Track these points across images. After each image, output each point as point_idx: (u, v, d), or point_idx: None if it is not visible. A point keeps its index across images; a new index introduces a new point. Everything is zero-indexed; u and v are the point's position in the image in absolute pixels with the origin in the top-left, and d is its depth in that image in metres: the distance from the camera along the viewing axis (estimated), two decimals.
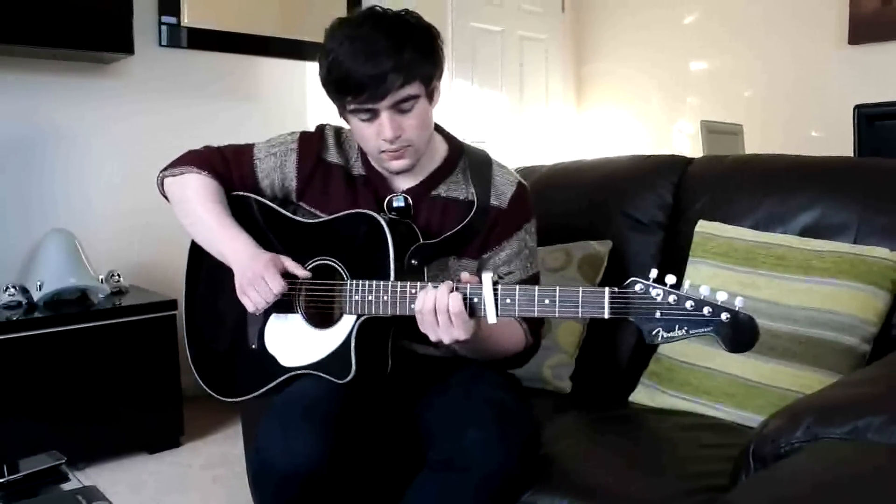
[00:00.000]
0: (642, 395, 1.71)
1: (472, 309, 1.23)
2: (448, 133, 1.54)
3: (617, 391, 1.76)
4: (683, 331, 1.10)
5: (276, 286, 1.35)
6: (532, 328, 1.46)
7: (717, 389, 1.59)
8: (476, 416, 1.29)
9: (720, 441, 1.43)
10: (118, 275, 2.73)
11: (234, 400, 1.52)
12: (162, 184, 1.56)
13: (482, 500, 1.23)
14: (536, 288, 1.19)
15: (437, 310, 1.22)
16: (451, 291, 1.22)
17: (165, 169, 1.55)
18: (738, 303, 1.08)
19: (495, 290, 1.20)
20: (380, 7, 1.38)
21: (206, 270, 1.53)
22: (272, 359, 1.44)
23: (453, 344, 1.26)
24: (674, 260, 1.79)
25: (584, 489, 1.28)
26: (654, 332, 1.11)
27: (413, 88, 1.33)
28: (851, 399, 1.12)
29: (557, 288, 1.18)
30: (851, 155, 2.43)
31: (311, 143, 1.51)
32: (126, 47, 2.71)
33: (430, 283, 1.26)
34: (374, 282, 1.31)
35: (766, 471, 1.05)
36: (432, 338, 1.25)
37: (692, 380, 1.63)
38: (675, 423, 1.55)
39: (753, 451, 1.09)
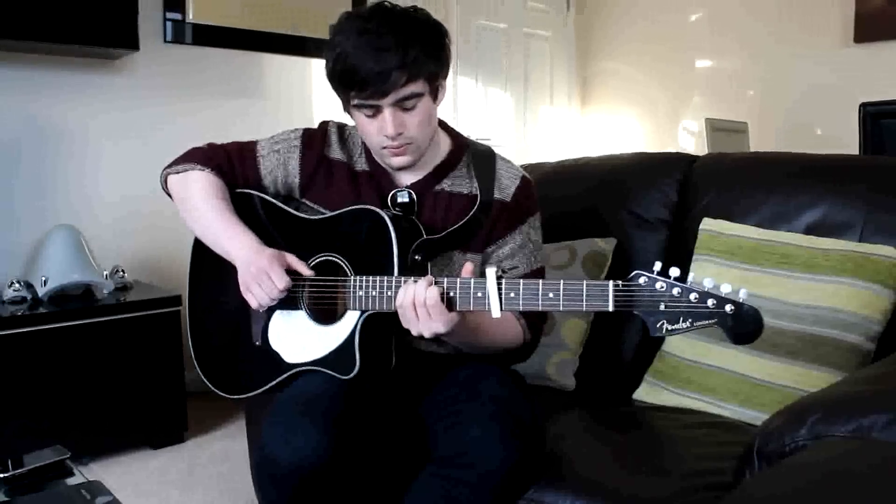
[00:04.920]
0: (646, 393, 1.71)
1: (450, 302, 1.24)
2: (452, 128, 1.54)
3: (621, 389, 1.76)
4: (688, 323, 1.10)
5: (281, 282, 1.35)
6: (531, 323, 1.46)
7: (721, 387, 1.59)
8: (479, 412, 1.29)
9: (724, 439, 1.42)
10: (122, 270, 2.74)
11: (238, 397, 1.52)
12: (165, 181, 1.56)
13: (484, 497, 1.23)
14: (540, 282, 1.20)
15: (416, 303, 1.23)
16: (430, 285, 1.23)
17: (169, 166, 1.55)
18: (742, 294, 1.09)
19: (499, 284, 1.20)
20: (388, 2, 1.38)
21: (210, 267, 1.53)
22: (276, 355, 1.44)
23: (443, 338, 1.27)
24: (679, 257, 1.79)
25: (587, 486, 1.28)
26: (658, 325, 1.11)
27: (417, 86, 1.33)
28: (856, 397, 1.12)
29: (561, 281, 1.18)
30: (857, 153, 2.42)
31: (314, 140, 1.51)
32: (131, 43, 2.70)
33: (411, 278, 1.26)
34: (378, 277, 1.31)
35: (771, 469, 1.05)
36: (413, 332, 1.26)
37: (696, 377, 1.63)
38: (678, 421, 1.55)
39: (758, 448, 1.09)
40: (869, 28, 3.64)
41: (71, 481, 1.37)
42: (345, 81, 1.33)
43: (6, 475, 1.35)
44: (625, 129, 4.62)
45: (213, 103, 3.19)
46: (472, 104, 4.21)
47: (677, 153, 2.11)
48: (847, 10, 3.71)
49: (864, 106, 2.38)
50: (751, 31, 4.07)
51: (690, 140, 4.38)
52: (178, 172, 1.52)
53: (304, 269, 1.39)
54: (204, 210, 1.47)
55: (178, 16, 3.07)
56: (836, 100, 3.65)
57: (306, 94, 3.49)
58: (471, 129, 3.96)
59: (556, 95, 4.66)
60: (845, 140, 2.65)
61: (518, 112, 4.47)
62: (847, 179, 1.72)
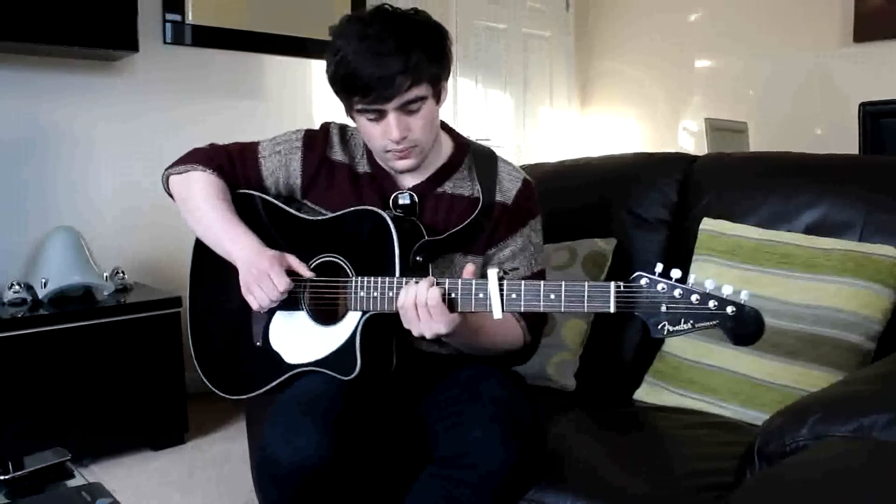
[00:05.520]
0: (647, 393, 1.71)
1: (452, 303, 1.24)
2: (453, 130, 1.54)
3: (621, 389, 1.76)
4: (689, 324, 1.10)
5: (282, 284, 1.35)
6: (531, 325, 1.46)
7: (722, 387, 1.59)
8: (479, 413, 1.29)
9: (725, 439, 1.42)
10: (122, 272, 2.74)
11: (239, 398, 1.52)
12: (167, 181, 1.56)
13: (485, 498, 1.23)
14: (542, 283, 1.20)
15: (417, 304, 1.23)
16: (432, 286, 1.23)
17: (170, 167, 1.55)
18: (744, 296, 1.09)
19: (501, 285, 1.20)
20: (389, 5, 1.37)
21: (211, 268, 1.53)
22: (277, 356, 1.44)
23: (443, 339, 1.28)
24: (679, 258, 1.79)
25: (588, 486, 1.28)
26: (659, 326, 1.11)
27: (421, 90, 1.33)
28: (856, 396, 1.12)
29: (563, 282, 1.18)
30: (856, 153, 2.42)
31: (315, 142, 1.51)
32: (130, 45, 2.70)
33: (413, 279, 1.26)
34: (379, 278, 1.31)
35: (772, 469, 1.05)
36: (415, 332, 1.27)
37: (697, 378, 1.63)
38: (679, 421, 1.55)
39: (759, 448, 1.09)
40: (869, 28, 3.64)
41: (71, 483, 1.37)
42: (347, 87, 1.33)
43: (6, 477, 1.35)
44: (625, 129, 4.62)
45: (213, 104, 3.19)
46: (472, 105, 4.20)
47: (677, 153, 2.11)
48: (847, 9, 3.71)
49: (863, 106, 2.39)
50: (751, 30, 4.07)
51: (690, 140, 4.38)
52: (179, 173, 1.52)
53: (305, 271, 1.39)
54: (205, 210, 1.47)
55: (177, 17, 3.07)
56: (835, 99, 3.65)
57: (307, 95, 3.49)
58: (471, 130, 3.96)
59: (555, 96, 4.66)
60: (845, 140, 2.64)
61: (518, 112, 4.46)
62: (847, 179, 1.72)
